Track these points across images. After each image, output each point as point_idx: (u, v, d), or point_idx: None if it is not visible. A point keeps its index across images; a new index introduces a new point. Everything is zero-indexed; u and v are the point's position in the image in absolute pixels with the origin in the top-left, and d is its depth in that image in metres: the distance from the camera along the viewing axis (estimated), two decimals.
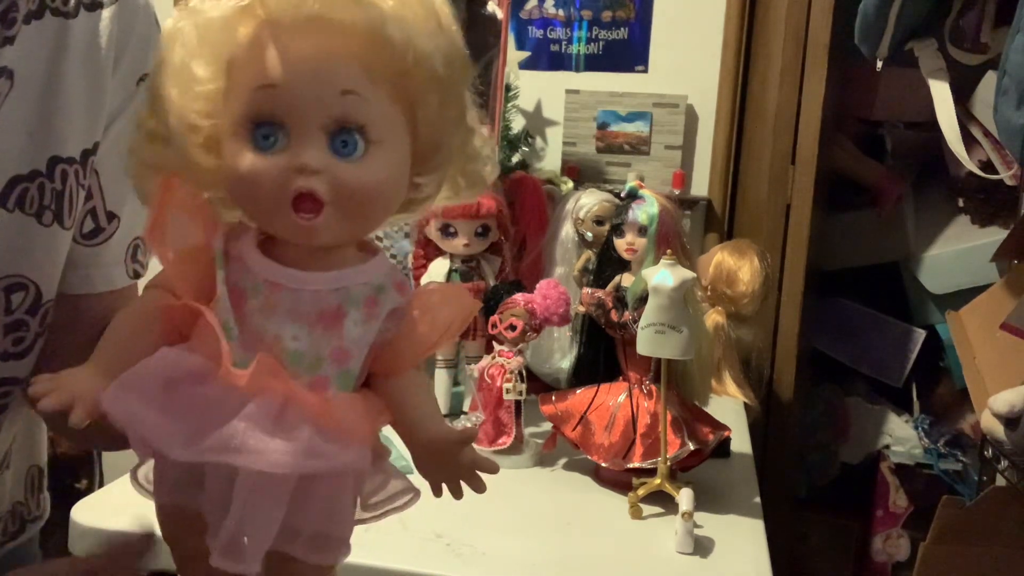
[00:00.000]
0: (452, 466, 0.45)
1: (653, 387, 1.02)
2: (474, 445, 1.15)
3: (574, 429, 1.03)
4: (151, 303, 0.43)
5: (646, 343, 0.93)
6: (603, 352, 1.07)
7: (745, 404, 1.33)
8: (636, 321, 0.96)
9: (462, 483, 0.45)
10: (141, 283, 0.67)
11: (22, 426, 0.72)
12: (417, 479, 0.47)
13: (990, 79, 1.43)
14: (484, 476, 0.46)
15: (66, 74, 0.60)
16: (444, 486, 0.46)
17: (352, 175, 0.40)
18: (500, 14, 1.33)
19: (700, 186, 1.80)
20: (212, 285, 0.42)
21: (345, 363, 0.43)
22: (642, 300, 0.97)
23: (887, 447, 1.69)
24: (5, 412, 0.66)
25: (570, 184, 1.60)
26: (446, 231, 1.19)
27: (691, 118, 1.80)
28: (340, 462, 0.41)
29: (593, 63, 1.85)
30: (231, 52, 0.40)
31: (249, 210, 0.42)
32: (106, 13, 0.63)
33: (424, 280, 1.22)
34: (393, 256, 1.32)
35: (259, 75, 0.39)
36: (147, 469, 0.44)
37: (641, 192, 1.03)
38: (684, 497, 0.89)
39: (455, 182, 0.47)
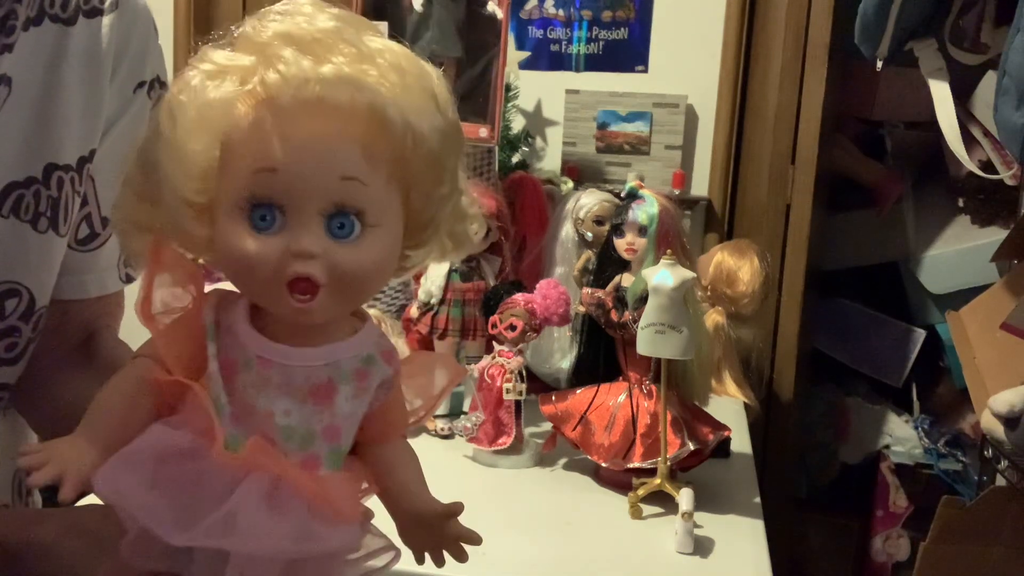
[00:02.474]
0: (437, 538, 0.45)
1: (653, 387, 1.02)
2: (473, 444, 1.15)
3: (574, 429, 1.03)
4: (141, 374, 0.42)
5: (646, 343, 0.93)
6: (603, 352, 1.07)
7: (745, 404, 1.33)
8: (636, 321, 0.96)
9: (444, 553, 0.46)
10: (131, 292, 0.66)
11: (5, 430, 0.71)
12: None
13: (990, 79, 1.43)
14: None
15: (64, 81, 0.60)
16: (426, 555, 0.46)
17: (349, 258, 0.40)
18: (500, 14, 1.33)
19: (700, 186, 1.80)
20: (202, 356, 0.42)
21: (336, 440, 0.43)
22: (642, 300, 0.97)
23: (887, 447, 1.69)
24: None
25: (570, 184, 1.60)
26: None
27: (691, 118, 1.80)
28: (332, 544, 0.41)
29: (593, 63, 1.85)
30: (230, 132, 0.40)
31: (243, 288, 0.42)
32: (105, 20, 0.62)
33: (424, 280, 1.22)
34: None
35: (259, 158, 0.39)
36: (131, 539, 0.43)
37: (641, 192, 1.03)
38: (684, 497, 0.89)
39: (442, 244, 0.47)
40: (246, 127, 0.39)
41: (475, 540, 0.47)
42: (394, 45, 0.42)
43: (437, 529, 0.45)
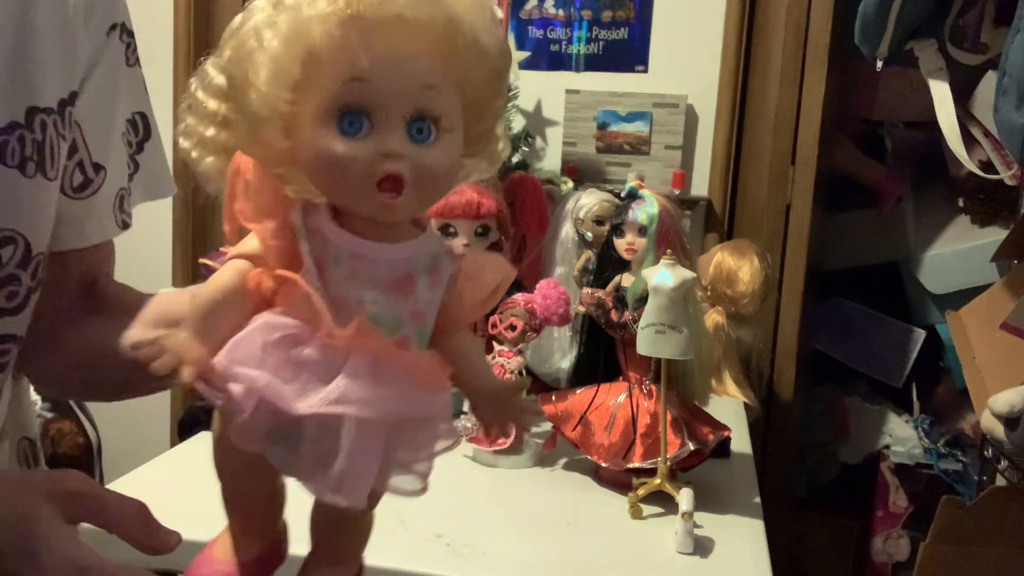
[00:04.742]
0: (506, 410, 0.51)
1: (653, 387, 1.02)
2: (473, 445, 1.15)
3: (574, 429, 1.03)
4: (240, 272, 0.46)
5: (646, 343, 0.93)
6: (603, 352, 1.07)
7: (745, 404, 1.33)
8: (636, 321, 0.96)
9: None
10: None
11: (11, 397, 0.71)
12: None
13: (990, 79, 1.43)
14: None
15: (36, 25, 0.61)
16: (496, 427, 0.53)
17: (429, 159, 0.45)
18: (500, 14, 1.33)
19: (700, 186, 1.80)
20: (293, 258, 0.46)
21: (422, 322, 0.48)
22: (642, 300, 0.97)
23: (887, 447, 1.69)
24: (4, 371, 0.66)
25: (570, 184, 1.60)
26: (446, 231, 1.19)
27: (691, 118, 1.80)
28: (432, 408, 0.47)
29: (593, 63, 1.85)
30: (321, 46, 0.44)
31: (332, 189, 0.46)
32: None
33: None
34: None
35: (349, 68, 0.43)
36: (240, 421, 0.46)
37: (641, 192, 1.03)
38: (684, 497, 0.89)
39: (479, 164, 0.52)
40: (335, 41, 0.43)
41: (538, 411, 0.54)
42: None
43: (509, 403, 0.51)
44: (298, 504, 0.50)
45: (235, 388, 0.43)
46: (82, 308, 0.72)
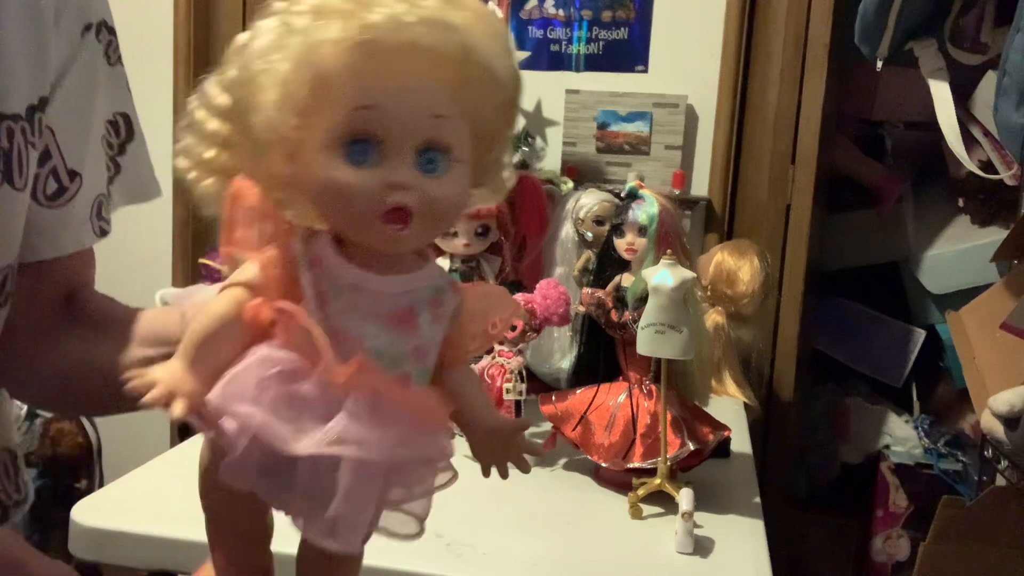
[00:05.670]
0: (505, 451, 0.50)
1: (653, 387, 1.02)
2: None
3: (574, 429, 1.03)
4: (237, 301, 0.45)
5: (646, 343, 0.93)
6: (603, 352, 1.07)
7: (745, 404, 1.33)
8: (636, 321, 0.96)
9: (509, 465, 0.51)
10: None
11: None
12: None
13: (990, 79, 1.43)
14: (483, 476, 0.50)
15: (3, 26, 0.58)
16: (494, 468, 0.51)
17: (438, 191, 0.44)
18: (500, 14, 1.33)
19: (700, 186, 1.80)
20: (292, 287, 0.44)
21: (424, 360, 0.46)
22: (642, 300, 0.97)
23: (887, 447, 1.69)
24: None
25: (570, 184, 1.60)
26: (446, 231, 1.18)
27: (691, 118, 1.80)
28: (431, 450, 0.45)
29: (593, 63, 1.85)
30: (332, 71, 0.42)
31: (336, 219, 0.45)
32: None
33: None
34: None
35: (359, 96, 0.42)
36: (232, 460, 0.45)
37: (641, 192, 1.03)
38: (684, 497, 0.89)
39: (483, 193, 0.51)
40: (346, 66, 0.42)
41: (539, 451, 0.52)
42: None
43: (506, 443, 0.49)
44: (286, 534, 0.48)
45: (228, 425, 0.42)
46: (60, 320, 0.69)
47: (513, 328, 1.08)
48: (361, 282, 0.44)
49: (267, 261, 0.44)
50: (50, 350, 0.68)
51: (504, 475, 0.51)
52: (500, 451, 0.50)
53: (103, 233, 0.70)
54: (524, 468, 0.50)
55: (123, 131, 0.71)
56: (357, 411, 0.42)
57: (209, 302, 0.45)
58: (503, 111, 0.47)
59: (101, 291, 0.74)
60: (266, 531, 0.50)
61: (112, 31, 0.69)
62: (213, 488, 0.47)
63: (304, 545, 0.48)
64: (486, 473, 0.51)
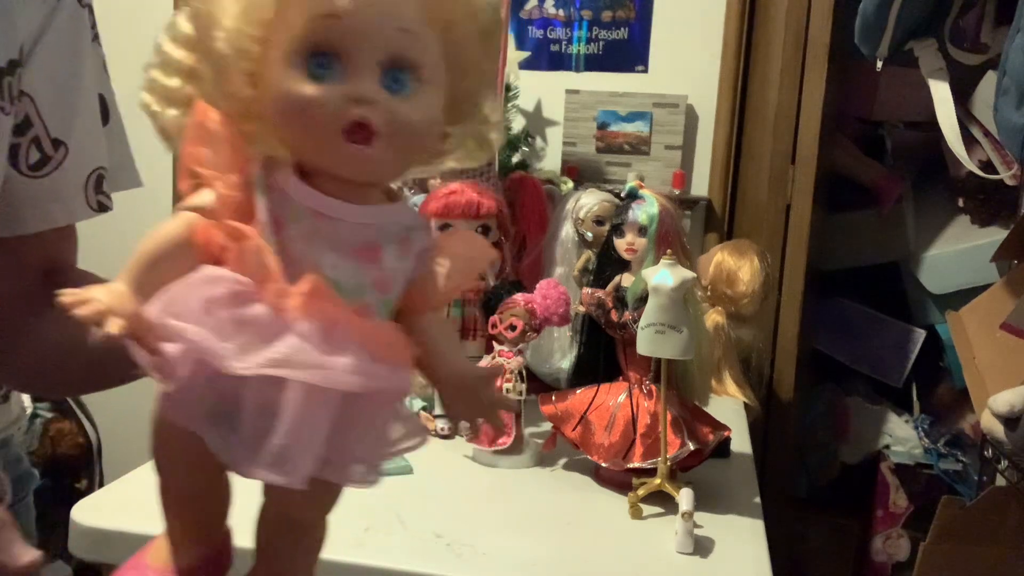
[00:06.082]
0: (475, 403, 0.46)
1: (653, 387, 1.02)
2: (473, 444, 1.15)
3: (574, 429, 1.03)
4: (188, 224, 0.42)
5: (646, 343, 0.93)
6: (603, 352, 1.07)
7: (745, 404, 1.33)
8: (636, 321, 0.96)
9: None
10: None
11: None
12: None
13: (990, 79, 1.43)
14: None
15: None
16: (465, 424, 0.48)
17: (404, 110, 0.41)
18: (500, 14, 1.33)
19: (700, 186, 1.80)
20: (248, 214, 0.42)
21: (387, 291, 0.44)
22: (642, 300, 0.97)
23: (887, 447, 1.69)
24: None
25: (570, 184, 1.60)
26: (445, 231, 1.18)
27: (691, 118, 1.80)
28: (389, 383, 0.42)
29: (593, 63, 1.86)
30: None
31: (298, 138, 0.43)
32: None
33: None
34: None
35: (322, 4, 0.40)
36: (174, 391, 0.41)
37: (641, 192, 1.03)
38: (684, 497, 0.89)
39: (466, 144, 0.48)
40: None
41: (511, 407, 0.48)
42: None
43: (477, 393, 0.46)
44: (246, 510, 0.47)
45: (169, 348, 0.38)
46: (40, 296, 0.65)
47: (513, 328, 1.08)
48: (322, 207, 0.42)
49: (223, 185, 0.42)
50: (36, 328, 0.66)
51: (476, 431, 0.47)
52: (469, 402, 0.46)
53: (102, 208, 0.67)
54: (495, 422, 0.47)
55: (99, 113, 0.69)
56: (308, 334, 0.39)
57: (160, 225, 0.42)
58: (480, 39, 0.45)
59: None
60: (223, 497, 0.47)
61: (90, 9, 0.67)
62: (164, 440, 0.44)
63: (262, 513, 0.46)
64: (454, 426, 0.48)
